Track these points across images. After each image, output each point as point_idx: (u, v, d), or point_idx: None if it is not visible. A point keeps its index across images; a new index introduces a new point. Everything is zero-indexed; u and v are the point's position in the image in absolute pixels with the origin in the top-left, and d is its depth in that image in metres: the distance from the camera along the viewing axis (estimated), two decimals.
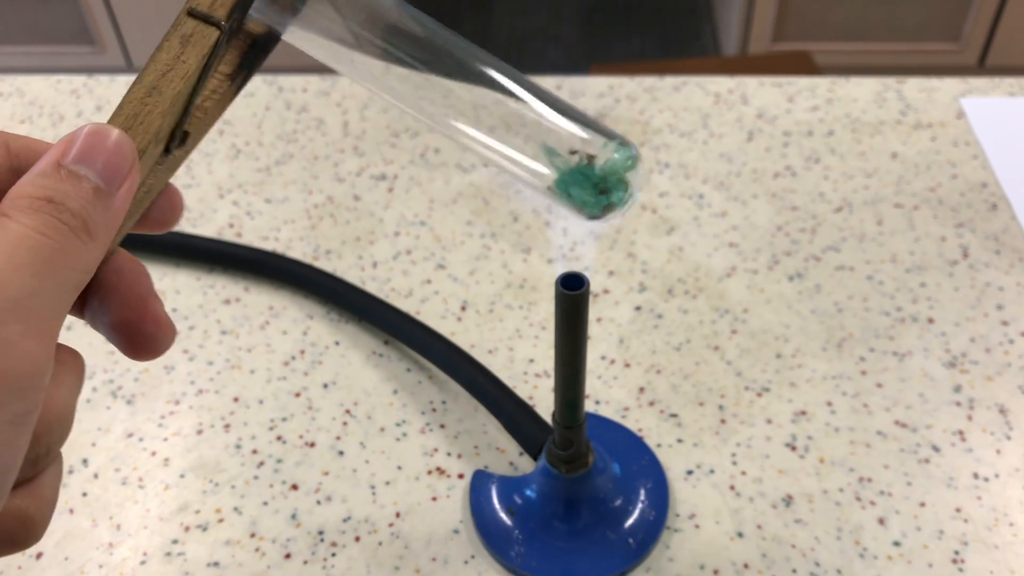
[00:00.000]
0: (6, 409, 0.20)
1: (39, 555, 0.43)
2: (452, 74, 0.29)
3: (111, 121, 0.25)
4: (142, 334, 0.26)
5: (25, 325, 0.20)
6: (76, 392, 0.24)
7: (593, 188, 0.29)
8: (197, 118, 0.27)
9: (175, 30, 0.27)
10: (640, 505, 0.43)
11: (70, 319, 0.24)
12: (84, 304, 0.26)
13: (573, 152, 0.29)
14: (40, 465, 0.23)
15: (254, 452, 0.46)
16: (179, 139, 0.27)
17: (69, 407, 0.24)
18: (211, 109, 0.27)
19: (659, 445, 0.46)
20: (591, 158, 0.28)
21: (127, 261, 0.26)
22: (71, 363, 0.24)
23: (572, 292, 0.33)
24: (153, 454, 0.46)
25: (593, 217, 0.30)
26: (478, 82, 0.29)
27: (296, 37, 0.29)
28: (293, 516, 0.44)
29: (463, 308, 0.53)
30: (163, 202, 0.28)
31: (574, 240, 0.50)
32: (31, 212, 0.22)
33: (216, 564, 0.42)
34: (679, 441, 0.46)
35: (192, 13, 0.27)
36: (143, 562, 0.42)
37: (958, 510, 0.43)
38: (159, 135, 0.26)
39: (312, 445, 0.47)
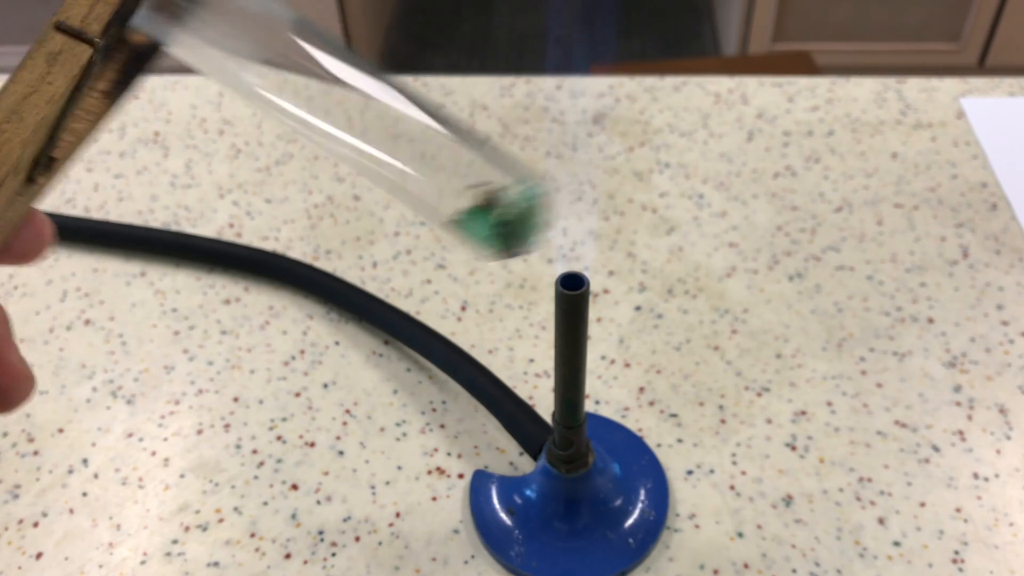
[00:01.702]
0: None
1: (39, 555, 0.43)
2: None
3: None
4: None
5: None
6: None
7: (492, 227, 0.26)
8: (67, 142, 0.24)
9: (40, 46, 0.23)
10: (640, 505, 0.43)
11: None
12: None
13: (473, 186, 0.26)
14: None
15: (254, 452, 0.46)
16: (44, 166, 0.24)
17: None
18: (83, 131, 0.24)
19: (659, 445, 0.46)
20: (491, 193, 0.26)
21: None
22: None
23: (572, 292, 0.33)
24: (153, 454, 0.46)
25: (495, 257, 0.27)
26: (376, 104, 0.26)
27: (181, 49, 0.26)
28: (293, 516, 0.44)
29: (463, 308, 0.53)
30: (26, 233, 0.24)
31: (574, 240, 0.50)
32: None
33: (216, 564, 0.42)
34: (679, 441, 0.46)
35: (60, 27, 0.23)
36: (143, 562, 0.42)
37: (958, 510, 0.43)
38: (19, 165, 0.23)
39: (312, 445, 0.47)
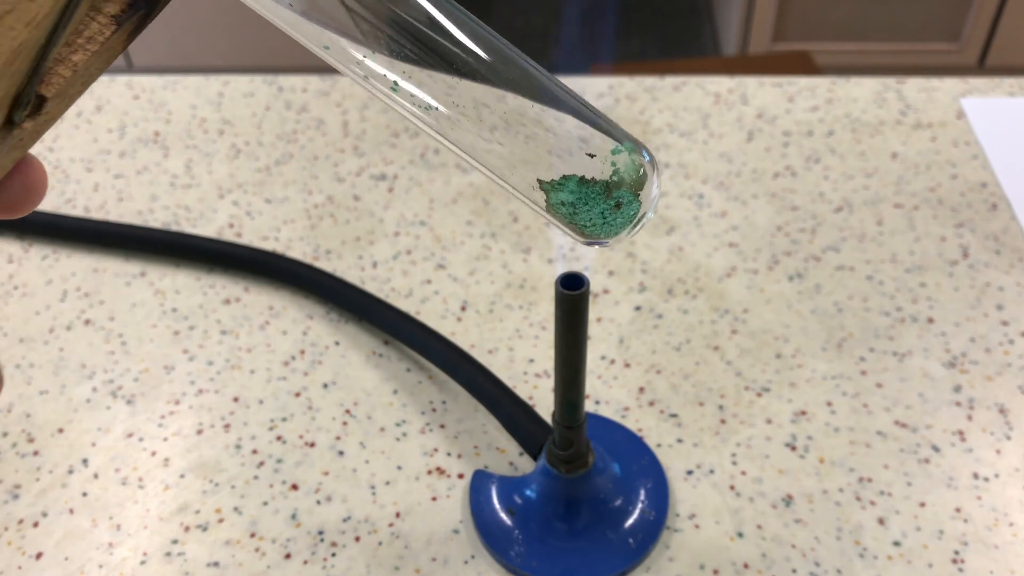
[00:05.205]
0: None
1: (39, 555, 0.43)
2: (436, 59, 0.22)
3: None
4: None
5: None
6: None
7: (603, 201, 0.24)
8: (61, 77, 0.19)
9: None
10: (640, 505, 0.43)
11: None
12: None
13: (592, 155, 0.23)
14: None
15: (254, 452, 0.46)
16: (28, 106, 0.19)
17: None
18: (83, 64, 0.20)
19: (659, 445, 0.46)
20: (601, 162, 0.23)
21: None
22: None
23: (572, 292, 0.33)
24: (153, 454, 0.46)
25: (593, 238, 0.24)
26: (471, 72, 0.23)
27: None
28: (293, 516, 0.44)
29: (463, 308, 0.53)
30: (15, 183, 0.21)
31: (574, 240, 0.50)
32: None
33: (216, 564, 0.42)
34: (679, 441, 0.46)
35: None
36: (143, 562, 0.42)
37: (958, 510, 0.43)
38: None
39: (312, 445, 0.47)
